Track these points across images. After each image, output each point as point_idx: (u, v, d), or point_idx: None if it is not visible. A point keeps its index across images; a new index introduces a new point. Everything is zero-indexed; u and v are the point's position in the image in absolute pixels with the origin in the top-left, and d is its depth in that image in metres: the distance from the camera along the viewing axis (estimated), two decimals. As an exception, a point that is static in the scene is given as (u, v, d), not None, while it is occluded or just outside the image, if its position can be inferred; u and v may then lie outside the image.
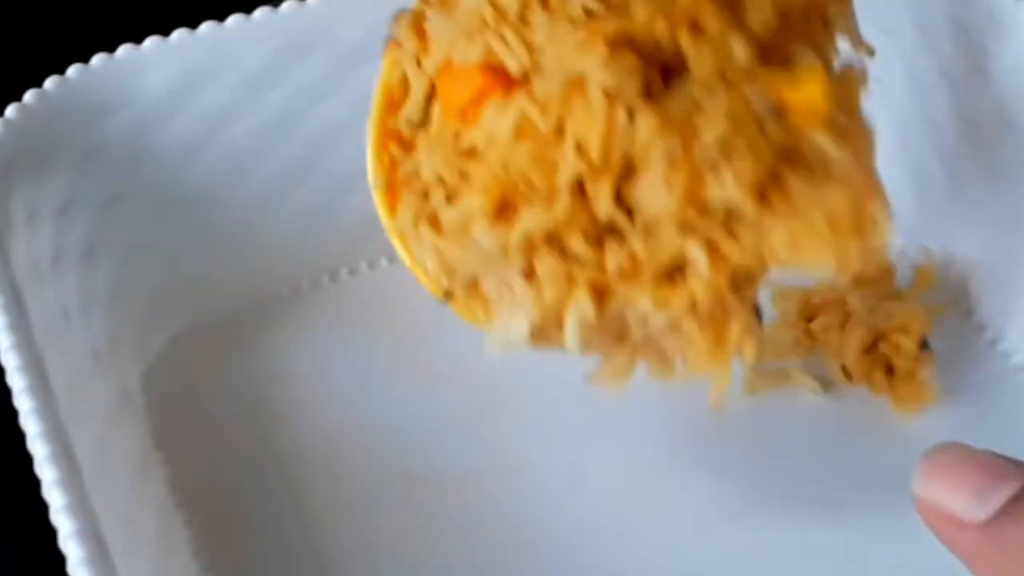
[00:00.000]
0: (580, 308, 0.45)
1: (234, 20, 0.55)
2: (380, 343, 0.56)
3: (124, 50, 0.54)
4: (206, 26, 0.55)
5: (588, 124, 0.44)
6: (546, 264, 0.46)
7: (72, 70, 0.53)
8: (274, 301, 0.58)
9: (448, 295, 0.48)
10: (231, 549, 0.50)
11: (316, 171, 0.57)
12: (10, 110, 0.52)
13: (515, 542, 0.51)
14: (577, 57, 0.44)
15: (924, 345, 0.54)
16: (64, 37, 0.73)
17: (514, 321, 0.46)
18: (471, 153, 0.47)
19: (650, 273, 0.45)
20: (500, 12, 0.46)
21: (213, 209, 0.57)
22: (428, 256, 0.48)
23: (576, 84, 0.45)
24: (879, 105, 0.48)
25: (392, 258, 0.59)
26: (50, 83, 0.53)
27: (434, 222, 0.48)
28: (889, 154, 0.50)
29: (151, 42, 0.54)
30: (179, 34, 0.54)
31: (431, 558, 0.50)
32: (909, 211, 0.56)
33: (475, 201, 0.46)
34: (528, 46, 0.46)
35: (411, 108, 0.49)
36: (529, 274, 0.46)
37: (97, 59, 0.54)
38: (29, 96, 0.53)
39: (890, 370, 0.55)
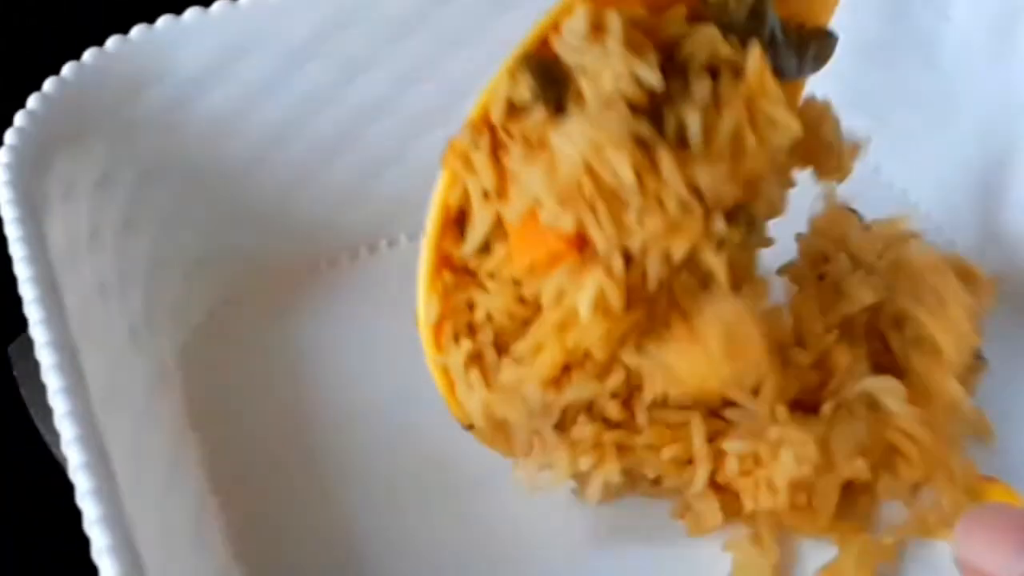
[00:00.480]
0: (608, 474, 0.48)
1: (274, -8, 0.54)
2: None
3: (163, 21, 0.53)
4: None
5: None
6: (585, 430, 0.48)
7: (110, 42, 0.53)
8: (312, 274, 0.58)
9: (472, 426, 0.50)
10: (264, 537, 0.50)
11: (355, 144, 0.57)
12: (47, 84, 0.52)
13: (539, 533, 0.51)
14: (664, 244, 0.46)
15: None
16: (64, 35, 0.72)
17: (547, 475, 0.48)
18: (531, 304, 0.48)
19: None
20: (598, 184, 0.45)
21: (250, 182, 0.56)
22: (471, 398, 0.49)
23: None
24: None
25: (413, 235, 0.59)
26: (88, 55, 0.52)
27: (484, 370, 0.48)
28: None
29: (191, 14, 0.53)
30: (219, 6, 0.54)
31: (462, 547, 0.50)
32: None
33: (538, 369, 0.47)
34: (618, 223, 0.46)
35: (473, 241, 0.48)
36: (561, 427, 0.48)
37: (136, 31, 0.53)
38: (67, 69, 0.52)
39: None
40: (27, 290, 0.45)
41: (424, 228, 0.50)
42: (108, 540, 0.39)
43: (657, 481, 0.50)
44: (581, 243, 0.46)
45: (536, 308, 0.48)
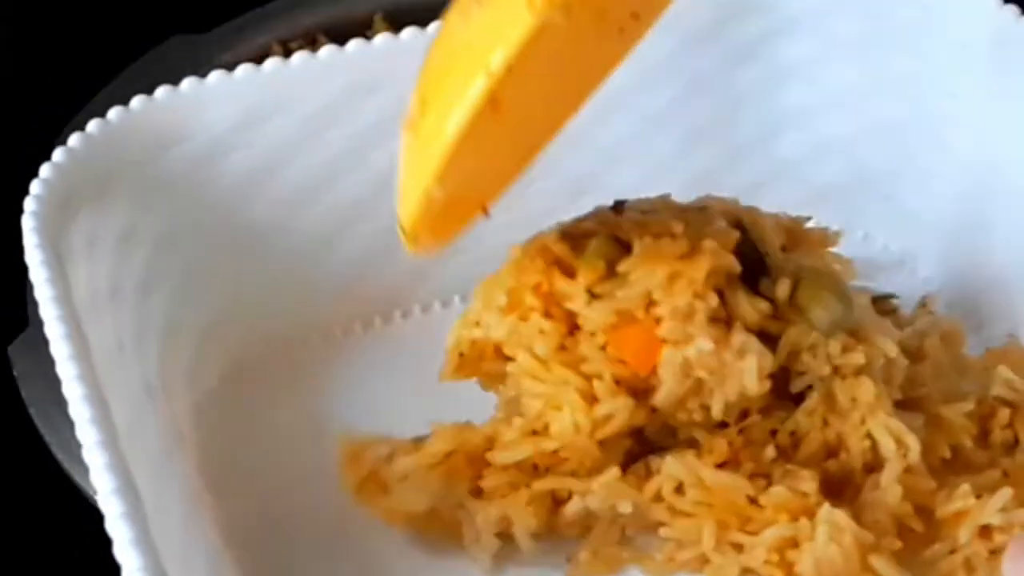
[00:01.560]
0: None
1: (299, 58, 0.55)
2: (431, 388, 0.55)
3: (188, 83, 0.54)
4: (271, 63, 0.55)
5: None
6: None
7: (136, 101, 0.53)
8: (325, 341, 0.58)
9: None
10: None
11: (374, 212, 0.57)
12: (73, 139, 0.52)
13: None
14: None
15: None
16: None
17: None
18: None
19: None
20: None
21: (269, 246, 0.56)
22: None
23: None
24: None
25: (445, 303, 0.59)
26: (113, 113, 0.53)
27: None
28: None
29: (215, 76, 0.54)
30: (244, 70, 0.54)
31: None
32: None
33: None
34: None
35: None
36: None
37: (161, 91, 0.54)
38: (92, 125, 0.52)
39: None
40: (55, 329, 0.45)
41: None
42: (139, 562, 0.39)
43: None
44: None
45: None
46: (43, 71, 0.73)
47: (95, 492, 0.42)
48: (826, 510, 0.48)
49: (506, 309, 0.51)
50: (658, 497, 0.50)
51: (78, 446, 0.51)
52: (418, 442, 0.52)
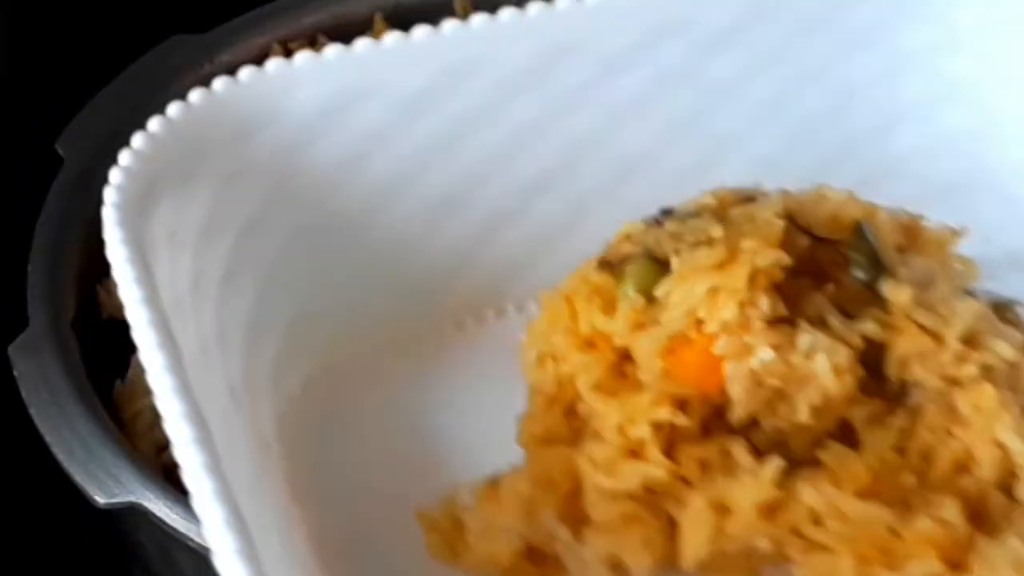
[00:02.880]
0: None
1: (392, 38, 0.51)
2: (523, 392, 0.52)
3: (274, 65, 0.50)
4: (362, 43, 0.51)
5: None
6: None
7: (219, 83, 0.49)
8: (415, 341, 0.54)
9: None
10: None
11: (468, 204, 0.53)
12: (153, 123, 0.48)
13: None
14: None
15: None
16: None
17: None
18: None
19: None
20: None
21: (357, 239, 0.53)
22: None
23: None
24: None
25: (521, 307, 0.56)
26: (196, 96, 0.49)
27: None
28: None
29: (303, 57, 0.50)
30: (333, 50, 0.50)
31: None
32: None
33: None
34: None
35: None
36: None
37: (245, 73, 0.50)
38: (173, 109, 0.49)
39: None
40: (146, 335, 0.42)
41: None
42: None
43: None
44: None
45: None
46: (43, 71, 0.73)
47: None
48: (984, 545, 0.45)
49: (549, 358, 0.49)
50: (795, 531, 0.46)
51: (84, 452, 0.53)
52: (493, 484, 0.48)
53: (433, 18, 0.76)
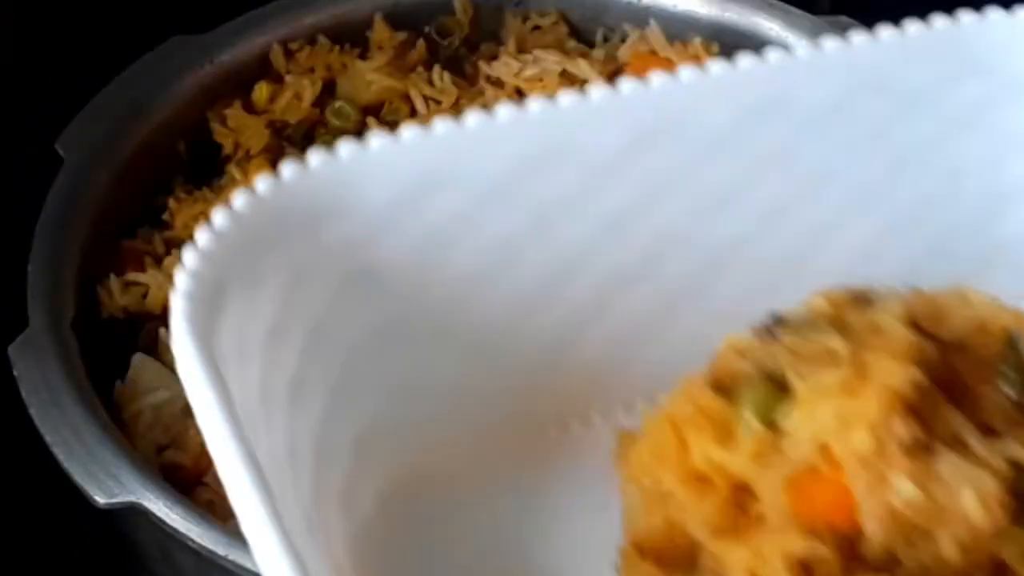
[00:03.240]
0: None
1: (474, 119, 0.46)
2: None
3: (346, 149, 0.45)
4: (442, 125, 0.46)
5: None
6: None
7: (287, 170, 0.44)
8: (498, 453, 0.49)
9: None
10: None
11: (554, 300, 0.49)
12: (219, 217, 0.43)
13: None
14: None
15: None
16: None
17: None
18: None
19: None
20: None
21: (435, 340, 0.48)
22: None
23: None
24: None
25: (629, 408, 0.50)
26: (262, 184, 0.44)
27: None
28: None
29: (378, 141, 0.46)
30: (411, 133, 0.46)
31: None
32: None
33: None
34: None
35: None
36: None
37: (315, 158, 0.45)
38: (240, 201, 0.44)
39: None
40: (234, 470, 0.37)
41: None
42: None
43: None
44: None
45: None
46: (43, 71, 0.73)
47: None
48: None
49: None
50: None
51: (84, 452, 0.54)
52: None
53: (433, 18, 0.77)
